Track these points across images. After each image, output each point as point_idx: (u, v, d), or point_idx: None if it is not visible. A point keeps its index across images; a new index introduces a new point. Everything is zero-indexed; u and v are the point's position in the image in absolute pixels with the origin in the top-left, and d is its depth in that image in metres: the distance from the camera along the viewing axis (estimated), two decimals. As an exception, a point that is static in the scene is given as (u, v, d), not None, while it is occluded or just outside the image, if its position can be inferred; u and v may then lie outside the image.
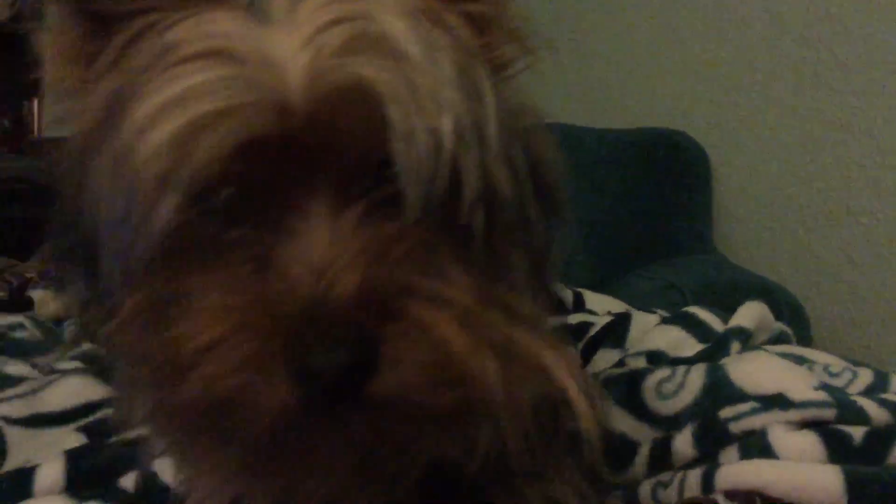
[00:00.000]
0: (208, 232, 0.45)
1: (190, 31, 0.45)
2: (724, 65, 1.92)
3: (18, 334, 1.29)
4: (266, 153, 0.43)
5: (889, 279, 1.63)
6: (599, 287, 1.42)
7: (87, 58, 0.51)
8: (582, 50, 2.32)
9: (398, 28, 0.44)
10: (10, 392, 0.92)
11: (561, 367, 0.47)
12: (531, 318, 0.48)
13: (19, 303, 1.38)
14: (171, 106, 0.42)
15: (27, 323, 1.33)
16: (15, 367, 1.05)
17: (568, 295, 1.23)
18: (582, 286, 1.31)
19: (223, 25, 0.45)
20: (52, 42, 0.54)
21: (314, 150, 0.44)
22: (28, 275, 1.80)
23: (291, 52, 0.43)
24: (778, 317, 0.97)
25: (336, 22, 0.44)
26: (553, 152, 0.53)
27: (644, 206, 1.89)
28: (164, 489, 0.69)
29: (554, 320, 0.53)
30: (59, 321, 1.42)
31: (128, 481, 0.71)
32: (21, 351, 1.19)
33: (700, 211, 1.89)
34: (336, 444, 0.43)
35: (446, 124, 0.43)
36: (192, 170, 0.42)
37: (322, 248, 0.42)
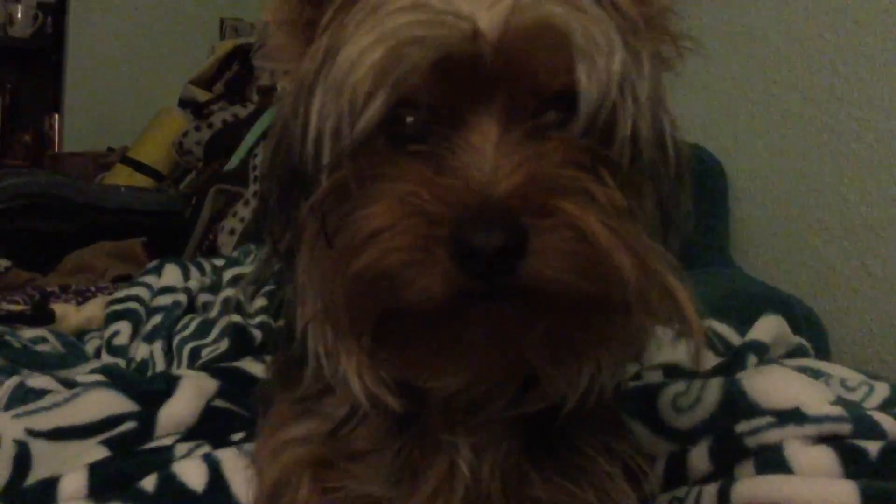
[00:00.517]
0: (399, 137, 0.53)
1: None
2: (741, 80, 1.93)
3: (41, 348, 1.31)
4: (457, 72, 0.50)
5: (908, 292, 1.63)
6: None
7: (304, 25, 0.59)
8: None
9: None
10: (33, 405, 0.93)
11: (685, 296, 0.53)
12: (661, 254, 0.53)
13: (41, 316, 1.39)
14: (378, 40, 0.50)
15: (49, 336, 1.35)
16: (38, 381, 1.06)
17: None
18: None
19: None
20: (273, 10, 0.60)
21: (498, 74, 0.50)
22: (49, 288, 1.82)
23: (485, 2, 0.51)
24: (795, 329, 0.97)
25: None
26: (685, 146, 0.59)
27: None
28: (183, 489, 0.70)
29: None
30: (80, 335, 1.45)
31: (147, 483, 0.72)
32: (43, 364, 1.21)
33: (718, 224, 1.89)
34: (484, 325, 0.49)
35: (616, 68, 0.50)
36: (395, 79, 0.50)
37: (490, 155, 0.49)
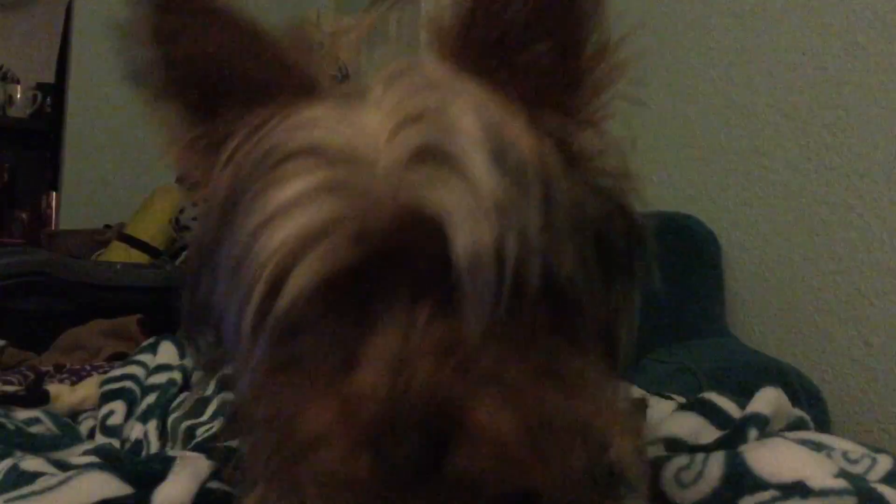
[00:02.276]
0: (304, 323, 0.51)
1: (287, 132, 0.51)
2: (732, 152, 1.95)
3: (35, 429, 1.30)
4: (353, 265, 0.49)
5: (906, 362, 1.62)
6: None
7: (204, 147, 0.58)
8: (590, 137, 2.37)
9: (468, 133, 0.49)
10: (26, 489, 0.92)
11: (619, 435, 0.53)
12: (599, 387, 0.53)
13: (36, 397, 1.38)
14: (265, 224, 0.49)
15: (43, 417, 1.34)
16: (31, 463, 1.05)
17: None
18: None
19: (318, 119, 0.51)
20: (165, 135, 0.59)
21: (389, 263, 0.49)
22: (44, 368, 1.81)
23: (378, 144, 0.49)
24: (793, 400, 0.97)
25: (414, 118, 0.49)
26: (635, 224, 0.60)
27: (654, 290, 1.89)
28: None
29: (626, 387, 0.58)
30: (75, 415, 1.43)
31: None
32: (37, 446, 1.19)
33: (712, 294, 1.90)
34: None
35: (510, 242, 0.48)
36: (297, 285, 0.48)
37: (396, 347, 0.48)
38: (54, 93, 3.87)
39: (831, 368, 1.74)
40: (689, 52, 2.07)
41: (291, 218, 0.48)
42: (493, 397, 0.47)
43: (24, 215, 4.10)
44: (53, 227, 3.73)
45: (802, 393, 1.51)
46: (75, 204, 3.66)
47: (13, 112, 4.06)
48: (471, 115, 0.49)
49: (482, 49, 0.53)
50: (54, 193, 3.81)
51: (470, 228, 0.47)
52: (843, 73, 1.70)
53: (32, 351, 2.13)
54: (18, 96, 4.08)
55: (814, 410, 1.44)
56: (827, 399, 1.65)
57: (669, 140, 2.12)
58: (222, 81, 0.56)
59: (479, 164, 0.48)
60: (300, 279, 0.48)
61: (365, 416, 0.46)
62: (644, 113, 2.10)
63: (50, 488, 0.90)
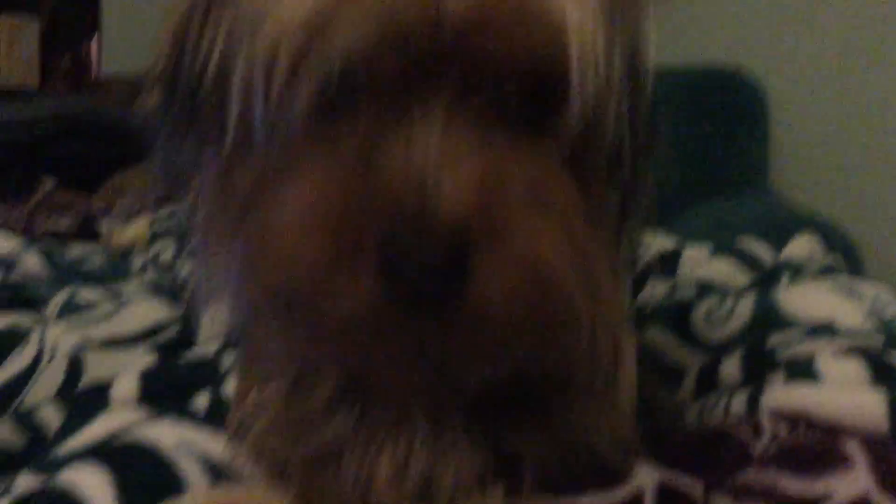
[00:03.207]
0: (327, 106, 0.43)
1: None
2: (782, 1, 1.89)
3: (89, 263, 1.35)
4: (403, 47, 0.41)
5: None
6: (654, 225, 1.42)
7: None
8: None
9: None
10: (84, 317, 0.97)
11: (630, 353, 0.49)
12: (612, 254, 0.48)
13: (89, 234, 1.43)
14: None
15: (97, 253, 1.39)
16: (88, 294, 1.10)
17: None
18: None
19: None
20: None
21: (451, 52, 0.41)
22: (95, 209, 1.86)
23: None
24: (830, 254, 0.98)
25: None
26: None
27: (698, 145, 1.87)
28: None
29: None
30: (126, 253, 1.48)
31: (199, 402, 0.75)
32: (91, 278, 1.25)
33: (756, 149, 1.88)
34: (409, 351, 0.43)
35: (612, 63, 0.44)
36: (328, 57, 0.41)
37: (431, 149, 0.40)
38: (92, -72, 3.80)
39: (873, 226, 1.73)
40: None
41: None
42: (532, 226, 0.41)
43: (64, 61, 4.09)
44: (95, 73, 3.73)
45: (839, 247, 1.52)
46: (117, 49, 3.63)
47: (51, -48, 4.00)
48: None
49: None
50: (96, 38, 3.78)
51: (584, 27, 0.41)
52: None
53: (82, 192, 2.19)
54: (55, -64, 4.01)
55: (850, 264, 1.45)
56: (866, 255, 1.65)
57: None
58: None
59: None
60: (342, 44, 0.40)
61: (377, 218, 0.39)
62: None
63: (106, 315, 0.95)
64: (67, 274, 1.25)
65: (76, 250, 1.38)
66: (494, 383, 0.48)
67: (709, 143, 1.87)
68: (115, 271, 1.33)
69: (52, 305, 1.07)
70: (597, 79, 0.42)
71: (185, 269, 1.36)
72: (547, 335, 0.43)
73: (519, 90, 0.43)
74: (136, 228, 1.52)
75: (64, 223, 1.52)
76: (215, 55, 0.46)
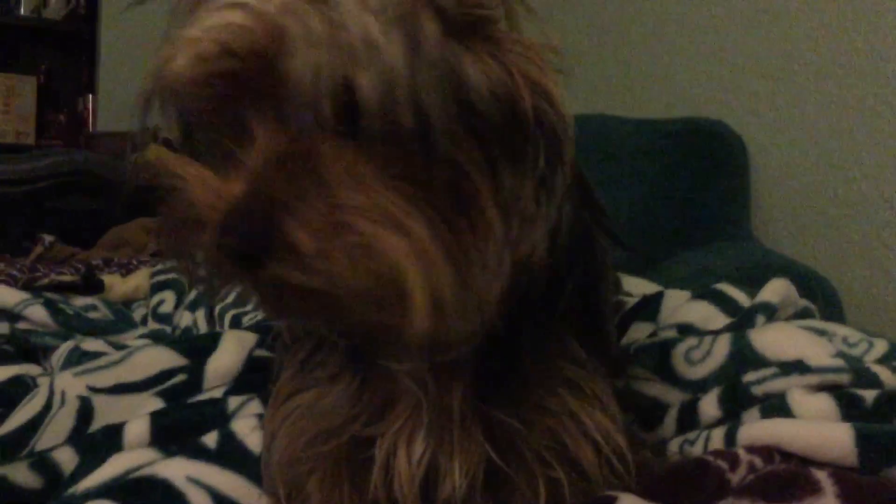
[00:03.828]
0: (204, 131, 0.60)
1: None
2: (762, 55, 1.97)
3: (92, 315, 1.39)
4: (233, 82, 0.54)
5: (923, 264, 1.67)
6: (639, 274, 1.47)
7: None
8: (622, 41, 2.38)
9: None
10: (91, 364, 1.00)
11: (417, 281, 0.53)
12: (420, 235, 0.53)
13: (91, 285, 1.47)
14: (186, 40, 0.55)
15: (99, 304, 1.43)
16: (91, 344, 1.14)
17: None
18: (621, 271, 1.37)
19: None
20: None
21: (260, 81, 0.54)
22: (93, 262, 1.90)
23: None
24: (811, 300, 1.03)
25: None
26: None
27: (682, 194, 1.94)
28: (243, 447, 0.77)
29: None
30: (126, 304, 1.52)
31: (209, 440, 0.79)
32: (95, 330, 1.28)
33: (737, 198, 1.94)
34: (261, 293, 0.57)
35: (358, 75, 0.51)
36: (174, 71, 0.55)
37: (254, 153, 0.54)
38: (88, -7, 3.89)
39: (851, 271, 1.79)
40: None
41: (185, 29, 0.55)
42: (306, 212, 0.52)
43: (61, 118, 4.16)
44: (90, 129, 3.80)
45: (819, 293, 1.57)
46: (112, 106, 3.71)
47: (48, 14, 4.08)
48: None
49: None
50: (91, 95, 3.86)
51: (308, 52, 0.51)
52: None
53: (79, 247, 2.23)
54: (52, -2, 4.10)
55: (830, 310, 1.50)
56: (845, 300, 1.71)
57: (700, 45, 2.14)
58: None
59: (350, 7, 0.52)
60: (176, 67, 0.55)
61: (218, 208, 0.53)
62: (673, 17, 2.13)
63: (114, 363, 0.98)
64: (72, 325, 1.28)
65: (79, 301, 1.41)
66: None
67: (693, 192, 1.93)
68: (118, 322, 1.37)
69: (56, 356, 1.11)
70: (383, 88, 0.51)
71: (184, 319, 1.40)
72: (333, 292, 0.53)
73: (321, 96, 0.53)
74: (137, 280, 1.56)
75: (66, 276, 1.55)
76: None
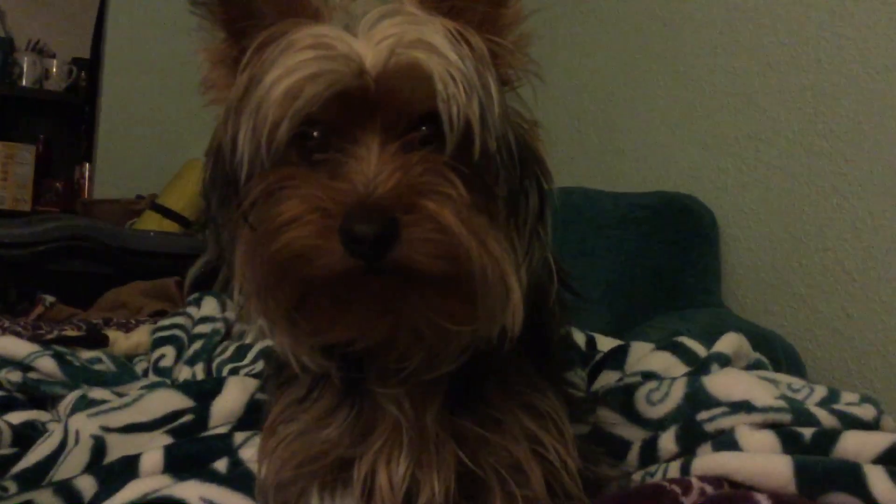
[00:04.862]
0: (306, 150, 0.67)
1: (301, 34, 0.67)
2: (730, 136, 2.09)
3: (98, 367, 1.46)
4: (346, 102, 0.64)
5: (883, 334, 1.75)
6: (615, 336, 1.56)
7: (231, 60, 0.73)
8: (602, 121, 2.51)
9: (440, 41, 0.65)
10: (104, 406, 1.08)
11: (515, 284, 0.66)
12: (501, 239, 0.66)
13: (97, 340, 1.55)
14: (284, 75, 0.64)
15: (104, 358, 1.50)
16: (97, 393, 1.21)
17: (581, 337, 1.39)
18: (598, 333, 1.47)
19: (324, 31, 0.67)
20: (206, 49, 0.74)
21: (378, 102, 0.64)
22: (94, 320, 1.98)
23: (370, 46, 0.65)
24: (776, 363, 1.13)
25: (400, 34, 0.65)
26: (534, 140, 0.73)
27: (656, 263, 2.03)
28: (250, 472, 0.85)
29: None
30: (129, 359, 1.60)
31: (219, 465, 0.87)
32: (100, 381, 1.36)
33: (708, 268, 2.03)
34: (371, 293, 0.64)
35: (471, 101, 0.64)
36: (297, 108, 0.63)
37: (371, 164, 0.63)
38: (90, 67, 4.01)
39: (814, 337, 1.88)
40: (693, 42, 2.21)
41: (301, 68, 0.64)
42: (437, 201, 0.62)
43: (58, 185, 4.26)
44: (87, 197, 3.88)
45: (784, 357, 1.66)
46: (108, 175, 3.79)
47: (49, 85, 4.20)
48: (436, 31, 0.66)
49: (439, 5, 0.69)
50: (88, 165, 3.94)
51: (447, 83, 0.63)
52: (836, 66, 1.84)
53: (78, 308, 2.30)
54: (54, 70, 4.22)
55: (793, 373, 1.59)
56: (810, 366, 1.79)
57: (673, 125, 2.26)
58: (259, 8, 0.71)
59: (447, 49, 0.64)
60: (309, 91, 0.63)
61: (337, 203, 0.61)
62: (651, 102, 2.28)
63: (126, 404, 1.07)
64: (79, 376, 1.36)
65: (85, 354, 1.49)
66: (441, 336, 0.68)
67: (667, 261, 2.02)
68: (121, 374, 1.45)
69: (65, 404, 1.19)
70: (455, 106, 0.63)
71: (183, 373, 1.47)
72: (455, 273, 0.63)
73: (419, 121, 0.65)
74: (139, 336, 1.64)
75: (71, 331, 1.63)
76: (240, 141, 0.67)
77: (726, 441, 0.84)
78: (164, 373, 1.50)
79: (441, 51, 0.64)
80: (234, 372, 1.40)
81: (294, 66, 0.64)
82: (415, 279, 0.62)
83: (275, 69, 0.65)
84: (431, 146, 0.65)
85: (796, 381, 0.96)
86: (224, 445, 0.93)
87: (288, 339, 0.69)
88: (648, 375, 1.02)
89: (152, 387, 1.13)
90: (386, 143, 0.64)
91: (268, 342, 1.44)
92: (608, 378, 1.06)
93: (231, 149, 0.68)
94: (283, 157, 0.66)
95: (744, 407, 0.86)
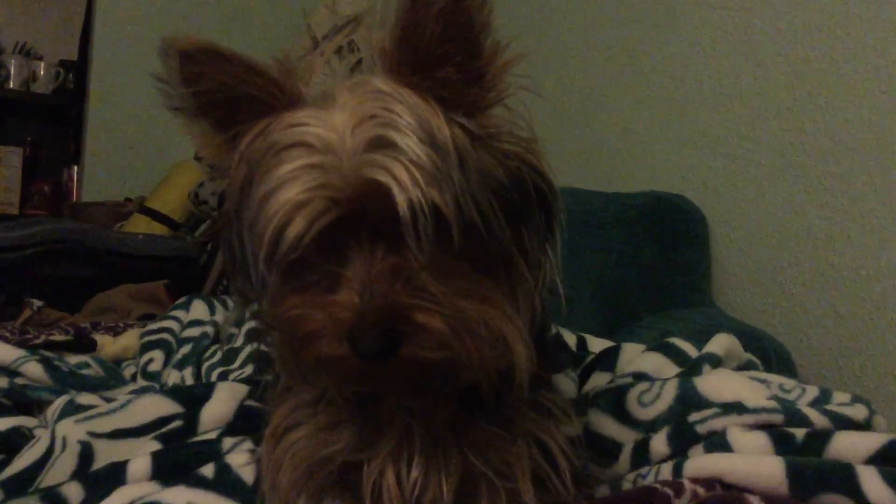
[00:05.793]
0: (301, 262, 0.71)
1: (282, 131, 0.71)
2: (720, 136, 2.09)
3: (85, 371, 1.45)
4: (330, 221, 0.68)
5: (874, 333, 1.75)
6: (606, 336, 1.56)
7: (219, 142, 0.77)
8: (593, 121, 2.51)
9: (405, 137, 0.69)
10: (92, 412, 1.07)
11: (515, 337, 0.72)
12: (500, 301, 0.72)
13: (84, 344, 1.54)
14: (269, 194, 0.69)
15: (91, 362, 1.49)
16: (85, 398, 1.20)
17: (572, 338, 1.38)
18: (589, 334, 1.47)
19: (302, 121, 0.71)
20: (189, 135, 0.78)
21: (356, 218, 0.69)
22: (82, 324, 1.97)
23: (345, 137, 0.69)
24: (765, 362, 1.12)
25: (369, 118, 0.69)
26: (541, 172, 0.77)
27: (647, 263, 2.02)
28: (237, 478, 0.84)
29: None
30: (117, 363, 1.59)
31: (206, 471, 0.86)
32: (88, 386, 1.35)
33: (699, 268, 2.04)
34: (384, 379, 0.71)
35: (437, 197, 0.67)
36: (290, 242, 0.68)
37: (362, 275, 0.68)
38: (77, 70, 3.99)
39: (805, 336, 1.88)
40: (683, 44, 2.21)
41: (286, 189, 0.68)
42: (428, 305, 0.67)
43: (45, 188, 4.24)
44: (75, 200, 3.86)
45: (774, 356, 1.66)
46: (96, 178, 3.78)
47: (36, 88, 4.19)
48: (407, 115, 0.70)
49: (412, 67, 0.73)
50: (75, 167, 3.93)
51: (407, 191, 0.66)
52: (823, 64, 1.84)
53: (66, 312, 2.29)
54: (41, 73, 4.21)
55: (784, 372, 1.59)
56: (800, 364, 1.79)
57: (662, 125, 2.26)
58: (235, 102, 0.75)
59: (414, 147, 0.68)
60: (294, 230, 0.68)
61: (343, 320, 0.67)
62: (641, 102, 2.28)
63: (113, 410, 1.06)
64: (66, 381, 1.35)
65: (73, 359, 1.47)
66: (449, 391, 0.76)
67: (657, 261, 2.02)
68: (109, 379, 1.44)
69: (52, 409, 1.17)
70: (420, 214, 0.67)
71: (171, 377, 1.47)
72: (456, 362, 0.70)
73: (398, 224, 0.68)
74: (127, 340, 1.63)
75: (58, 336, 1.62)
76: (242, 238, 0.74)
77: (718, 442, 0.83)
78: (152, 377, 1.49)
79: (405, 150, 0.68)
80: (223, 376, 1.40)
81: (278, 182, 0.69)
82: (421, 363, 0.68)
83: (262, 180, 0.70)
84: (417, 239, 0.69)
85: (788, 382, 0.96)
86: (213, 451, 0.92)
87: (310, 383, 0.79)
88: (640, 376, 1.02)
89: (141, 392, 1.12)
90: (373, 247, 0.69)
91: (258, 346, 1.43)
92: (599, 379, 1.06)
93: (240, 248, 0.75)
94: (286, 268, 0.72)
95: (735, 408, 0.86)
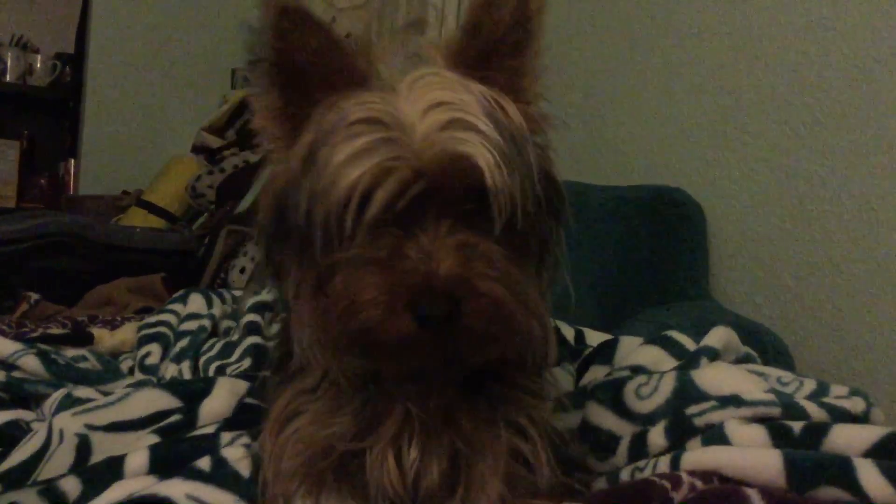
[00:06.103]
0: (370, 232, 0.73)
1: (353, 107, 0.74)
2: (718, 128, 2.09)
3: (82, 365, 1.45)
4: (405, 191, 0.72)
5: (871, 326, 1.76)
6: (603, 329, 1.56)
7: (284, 115, 0.80)
8: (591, 115, 2.50)
9: (482, 121, 0.73)
10: (90, 404, 1.07)
11: (546, 319, 0.79)
12: (535, 286, 0.78)
13: (82, 338, 1.53)
14: (348, 162, 0.72)
15: (89, 356, 1.49)
16: (82, 392, 1.20)
17: (570, 331, 1.38)
18: (587, 327, 1.47)
19: (372, 100, 0.74)
20: (257, 102, 0.81)
21: (431, 191, 0.72)
22: (79, 318, 1.97)
23: (415, 119, 0.72)
24: (763, 355, 1.12)
25: (439, 104, 0.73)
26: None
27: (645, 256, 2.03)
28: (234, 471, 0.84)
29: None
30: (114, 356, 1.59)
31: (203, 463, 0.86)
32: (85, 379, 1.34)
33: (696, 261, 2.03)
34: (437, 351, 0.73)
35: (514, 180, 0.72)
36: (380, 197, 0.71)
37: (431, 247, 0.71)
38: (74, 62, 3.98)
39: (803, 330, 1.88)
40: (682, 38, 2.20)
41: (367, 157, 0.71)
42: (492, 275, 0.71)
43: (43, 181, 4.22)
44: (72, 193, 3.86)
45: (771, 350, 1.66)
46: (93, 171, 3.78)
47: (33, 81, 4.16)
48: (475, 102, 0.74)
49: (475, 60, 0.78)
50: (73, 160, 3.92)
51: (492, 169, 0.71)
52: (823, 58, 1.84)
53: (63, 305, 2.29)
54: (38, 65, 4.18)
55: (781, 365, 1.59)
56: (798, 358, 1.80)
57: (662, 119, 2.26)
58: (311, 71, 0.78)
59: (490, 131, 0.72)
60: (383, 193, 0.71)
61: (410, 285, 0.69)
62: (639, 95, 2.27)
63: (111, 403, 1.05)
64: (63, 375, 1.34)
65: (70, 352, 1.47)
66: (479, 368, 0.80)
67: (655, 254, 2.03)
68: (106, 372, 1.43)
69: (49, 403, 1.17)
70: (503, 194, 0.72)
71: (169, 370, 1.46)
72: (505, 334, 0.74)
73: (470, 203, 0.74)
74: (124, 333, 1.62)
75: (55, 330, 1.62)
76: (303, 206, 0.75)
77: (716, 435, 0.83)
78: (149, 370, 1.48)
79: (486, 133, 0.72)
80: (220, 369, 1.39)
81: (352, 154, 0.72)
82: (474, 339, 0.72)
83: (335, 151, 0.72)
84: (479, 216, 0.73)
85: (785, 375, 0.96)
86: (210, 445, 0.92)
87: (336, 364, 0.79)
88: (637, 370, 1.02)
89: (138, 385, 1.12)
90: (440, 222, 0.72)
91: (256, 340, 1.43)
92: (597, 373, 1.06)
93: (304, 217, 0.75)
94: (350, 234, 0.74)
95: (733, 401, 0.86)
